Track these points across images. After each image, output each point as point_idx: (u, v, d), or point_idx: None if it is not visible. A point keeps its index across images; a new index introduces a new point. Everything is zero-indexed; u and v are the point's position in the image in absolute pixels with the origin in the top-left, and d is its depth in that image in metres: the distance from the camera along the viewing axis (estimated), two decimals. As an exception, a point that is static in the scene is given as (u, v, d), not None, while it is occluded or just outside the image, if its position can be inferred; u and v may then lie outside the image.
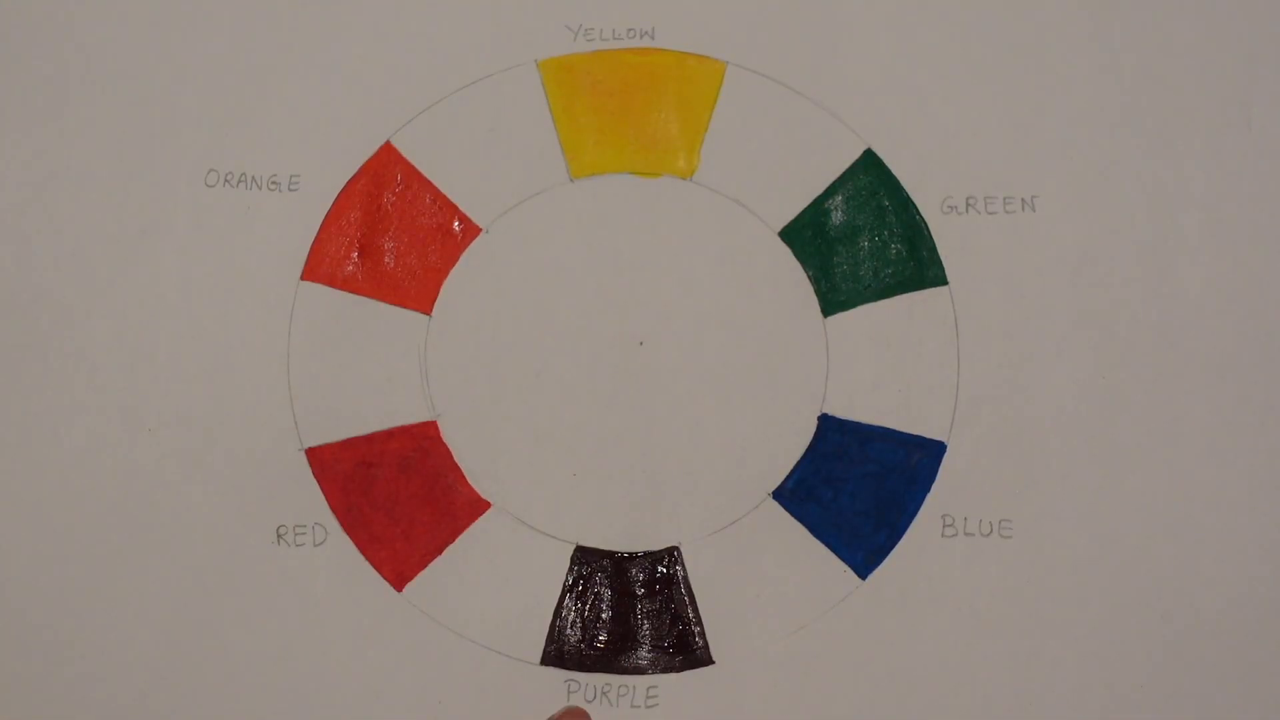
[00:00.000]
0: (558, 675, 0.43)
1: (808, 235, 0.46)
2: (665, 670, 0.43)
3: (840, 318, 0.46)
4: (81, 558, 0.44)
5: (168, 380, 0.45)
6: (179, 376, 0.45)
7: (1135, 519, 0.44)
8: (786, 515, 0.44)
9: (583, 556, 0.44)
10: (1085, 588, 0.43)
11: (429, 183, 0.47)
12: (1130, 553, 0.43)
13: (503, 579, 0.44)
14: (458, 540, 0.44)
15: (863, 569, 0.44)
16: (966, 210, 0.46)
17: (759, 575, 0.44)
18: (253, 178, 0.47)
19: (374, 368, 0.45)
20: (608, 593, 0.44)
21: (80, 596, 0.44)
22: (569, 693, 0.43)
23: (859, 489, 0.44)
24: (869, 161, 0.46)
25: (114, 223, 0.46)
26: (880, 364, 0.45)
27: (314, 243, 0.46)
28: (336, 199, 0.47)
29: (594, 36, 0.48)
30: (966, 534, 0.44)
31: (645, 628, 0.43)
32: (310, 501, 0.44)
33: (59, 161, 0.47)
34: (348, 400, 0.45)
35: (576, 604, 0.44)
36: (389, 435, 0.45)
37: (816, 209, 0.46)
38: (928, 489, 0.44)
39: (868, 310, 0.46)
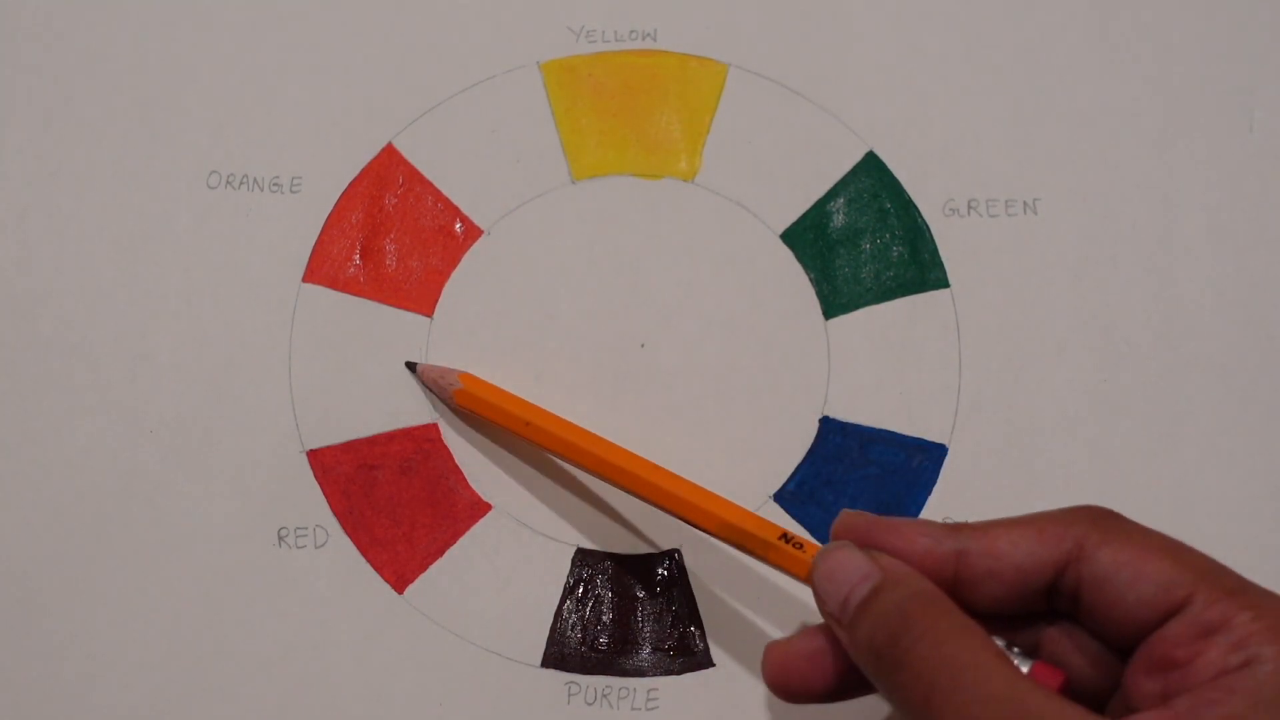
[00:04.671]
0: (558, 677, 0.43)
1: (809, 238, 0.46)
2: (666, 672, 0.43)
3: (842, 320, 0.46)
4: (82, 559, 0.44)
5: (169, 382, 0.45)
6: (180, 378, 0.45)
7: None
8: (787, 518, 0.44)
9: (583, 559, 0.44)
10: (1086, 591, 0.43)
11: (430, 184, 0.47)
12: (1132, 556, 0.43)
13: (503, 581, 0.44)
14: (459, 542, 0.44)
15: (864, 572, 0.44)
16: (968, 213, 0.46)
17: (760, 577, 0.44)
18: (254, 179, 0.47)
19: (375, 370, 0.45)
20: (608, 595, 0.44)
21: (81, 597, 0.44)
22: (569, 695, 0.43)
23: (860, 491, 0.44)
24: (871, 164, 0.46)
25: (116, 224, 0.46)
26: (881, 366, 0.45)
27: (315, 244, 0.46)
28: (338, 201, 0.47)
29: (596, 38, 0.48)
30: (968, 537, 0.44)
31: (646, 630, 0.43)
32: (311, 503, 0.44)
33: (61, 163, 0.47)
34: (349, 402, 0.45)
35: (577, 606, 0.44)
36: (390, 437, 0.45)
37: (818, 211, 0.46)
38: (929, 491, 0.44)
39: (869, 313, 0.46)
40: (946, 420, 0.45)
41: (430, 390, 0.44)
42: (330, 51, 0.48)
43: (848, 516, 0.36)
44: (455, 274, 0.46)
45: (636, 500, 0.44)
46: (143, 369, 0.45)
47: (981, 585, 0.33)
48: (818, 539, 0.44)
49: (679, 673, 0.43)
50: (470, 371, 0.45)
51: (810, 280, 0.46)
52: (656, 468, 0.40)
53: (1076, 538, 0.32)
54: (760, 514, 0.44)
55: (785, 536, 0.37)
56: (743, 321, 0.46)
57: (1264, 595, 0.31)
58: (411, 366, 0.44)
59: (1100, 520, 0.33)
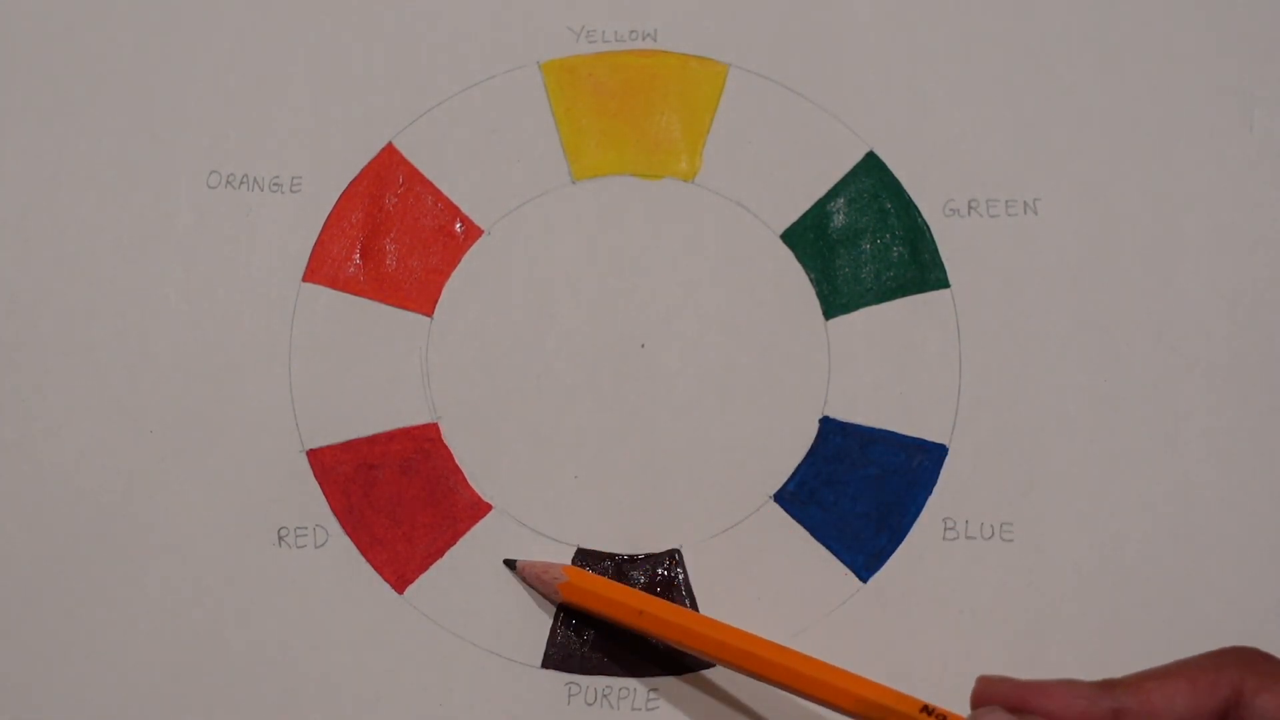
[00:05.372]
0: (559, 678, 0.43)
1: (810, 238, 0.46)
2: (666, 673, 0.43)
3: (842, 320, 0.46)
4: (82, 559, 0.44)
5: (169, 381, 0.45)
6: (180, 378, 0.45)
7: (1137, 522, 0.44)
8: (787, 518, 0.44)
9: (584, 559, 0.44)
10: (1087, 591, 0.43)
11: (430, 184, 0.47)
12: (1132, 556, 0.43)
13: (504, 581, 0.44)
14: (459, 542, 0.44)
15: (864, 572, 0.44)
16: (969, 213, 0.46)
17: (760, 578, 0.44)
18: (254, 179, 0.47)
19: (375, 369, 0.45)
20: (609, 595, 0.44)
21: (80, 597, 0.44)
22: (570, 695, 0.43)
23: (860, 492, 0.44)
24: (871, 164, 0.46)
25: (115, 224, 0.46)
26: (882, 367, 0.45)
27: (315, 244, 0.46)
28: (338, 200, 0.47)
29: (596, 38, 0.48)
30: (968, 537, 0.44)
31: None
32: (311, 503, 0.44)
33: (61, 162, 0.47)
34: (349, 402, 0.45)
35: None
36: (390, 437, 0.45)
37: (818, 211, 0.46)
38: (929, 492, 0.44)
39: (869, 313, 0.46)
40: (947, 420, 0.45)
41: (533, 586, 0.43)
42: (330, 51, 0.48)
43: (988, 682, 0.35)
44: (455, 274, 0.46)
45: (637, 500, 0.44)
46: (143, 369, 0.45)
47: None
48: (818, 539, 0.44)
49: (679, 673, 0.43)
50: (472, 372, 0.45)
51: (810, 280, 0.46)
52: (783, 649, 0.39)
53: (1232, 684, 0.32)
54: (760, 514, 0.44)
55: (927, 709, 0.36)
56: (743, 321, 0.46)
57: None
58: (510, 564, 0.44)
59: (1254, 664, 0.33)
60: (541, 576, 0.43)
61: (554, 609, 0.44)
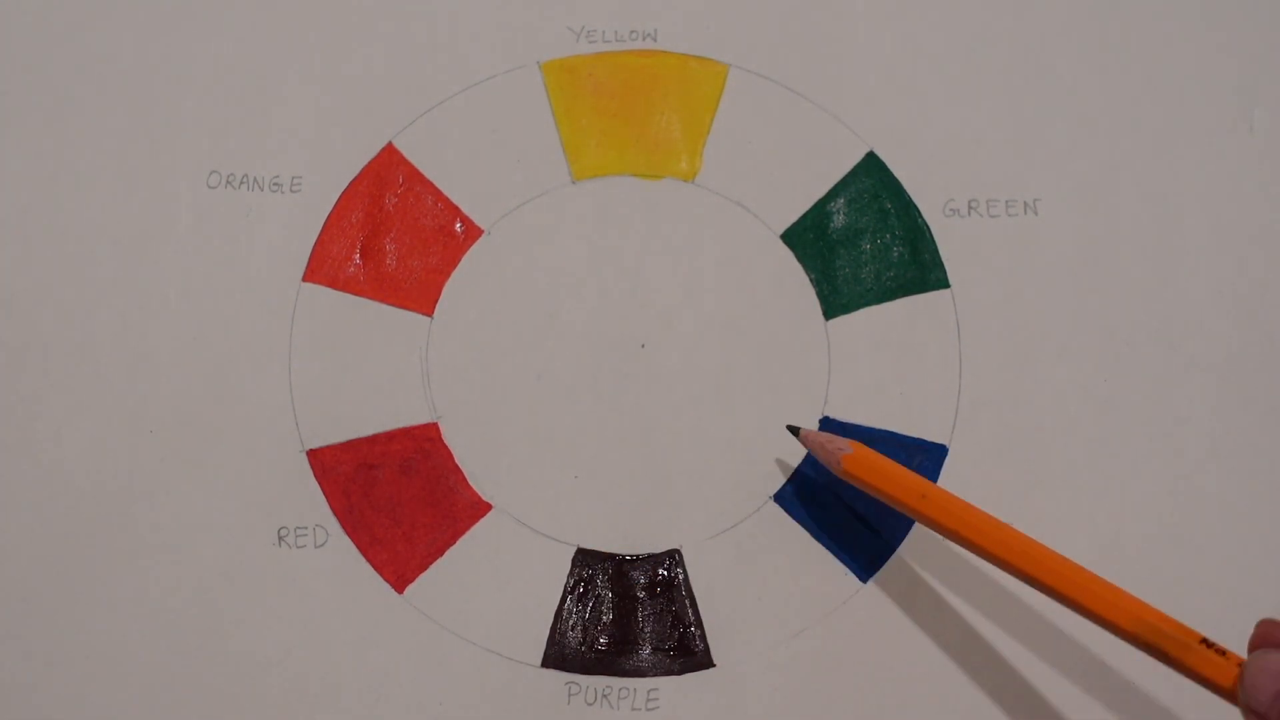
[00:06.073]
0: (558, 677, 0.43)
1: (810, 238, 0.46)
2: (666, 673, 0.43)
3: (842, 320, 0.46)
4: (82, 559, 0.44)
5: (169, 382, 0.45)
6: (180, 378, 0.45)
7: (1137, 522, 0.44)
8: (788, 518, 0.44)
9: (584, 559, 0.44)
10: (1087, 591, 0.43)
11: (431, 184, 0.47)
12: (1131, 556, 0.43)
13: (504, 581, 0.44)
14: (459, 542, 0.44)
15: (864, 572, 0.44)
16: (969, 213, 0.46)
17: (760, 578, 0.44)
18: (254, 179, 0.47)
19: (375, 369, 0.45)
20: (609, 595, 0.44)
21: (81, 597, 0.44)
22: (569, 695, 0.43)
23: (860, 492, 0.44)
24: (871, 164, 0.46)
25: (116, 224, 0.46)
26: (882, 367, 0.45)
27: (315, 244, 0.46)
28: (338, 200, 0.47)
29: (596, 38, 0.48)
30: (968, 537, 0.44)
31: (646, 630, 0.43)
32: (311, 503, 0.44)
33: (61, 162, 0.47)
34: (349, 402, 0.45)
35: (577, 606, 0.44)
36: (390, 437, 0.45)
37: (819, 211, 0.46)
38: (929, 492, 0.44)
39: (869, 313, 0.46)
40: (947, 420, 0.45)
41: (814, 454, 0.43)
42: (330, 51, 0.48)
43: (1271, 625, 0.35)
44: (455, 274, 0.46)
45: (637, 500, 0.44)
46: (143, 369, 0.45)
47: None
48: (818, 539, 0.44)
49: (679, 673, 0.43)
50: (472, 371, 0.45)
51: (810, 280, 0.46)
52: (1063, 559, 0.38)
53: None
54: (760, 514, 0.44)
55: (1205, 641, 0.36)
56: (743, 321, 0.46)
57: None
58: (794, 430, 0.43)
59: None
60: (825, 446, 0.42)
61: (554, 606, 0.44)
